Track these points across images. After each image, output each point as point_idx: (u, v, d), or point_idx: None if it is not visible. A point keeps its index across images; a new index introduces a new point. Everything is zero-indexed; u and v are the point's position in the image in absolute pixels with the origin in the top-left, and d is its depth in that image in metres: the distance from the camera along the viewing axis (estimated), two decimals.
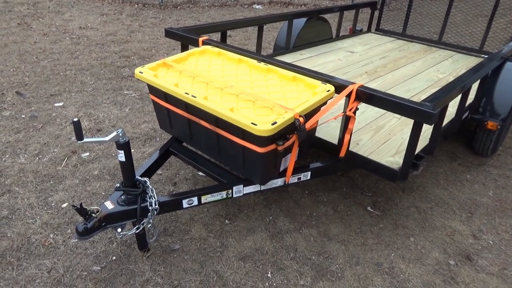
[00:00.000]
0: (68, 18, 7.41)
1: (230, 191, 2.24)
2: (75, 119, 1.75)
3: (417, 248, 2.51)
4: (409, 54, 4.58)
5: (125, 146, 1.92)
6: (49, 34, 6.33)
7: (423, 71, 4.00)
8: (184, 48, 3.04)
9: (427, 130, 2.68)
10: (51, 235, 2.38)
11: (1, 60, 5.07)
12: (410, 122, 2.87)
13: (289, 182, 2.31)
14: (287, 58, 4.08)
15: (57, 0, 8.75)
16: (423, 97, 3.31)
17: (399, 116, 2.96)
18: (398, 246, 2.52)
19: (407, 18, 5.30)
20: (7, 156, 3.10)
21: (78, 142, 1.79)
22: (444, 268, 2.37)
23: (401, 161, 2.29)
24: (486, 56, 4.65)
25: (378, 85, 3.51)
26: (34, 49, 5.57)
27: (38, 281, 2.08)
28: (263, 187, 2.28)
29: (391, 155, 2.44)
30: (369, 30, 5.62)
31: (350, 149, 2.41)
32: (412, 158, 2.18)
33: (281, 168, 2.23)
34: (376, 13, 5.46)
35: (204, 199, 2.20)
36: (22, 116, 3.72)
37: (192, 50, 2.72)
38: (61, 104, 4.01)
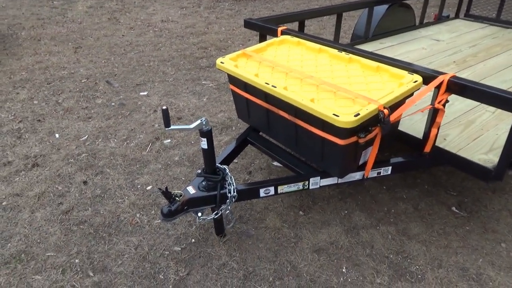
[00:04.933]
0: (152, 12, 7.85)
1: (307, 182, 2.22)
2: (164, 107, 1.85)
3: (509, 255, 2.29)
4: (504, 42, 4.15)
5: (208, 134, 1.99)
6: (135, 28, 6.76)
7: None
8: (263, 39, 3.05)
9: None
10: (138, 215, 2.56)
11: (94, 53, 5.54)
12: (506, 117, 2.61)
13: (368, 177, 2.24)
14: (366, 47, 3.92)
15: None
16: None
17: (492, 109, 2.70)
18: (487, 251, 2.32)
19: (502, 0, 4.79)
20: (100, 140, 3.39)
21: (166, 129, 1.89)
22: None
23: (496, 159, 2.09)
24: None
25: (468, 76, 3.23)
26: (122, 42, 6.00)
27: (126, 256, 2.26)
28: (340, 180, 2.23)
29: (484, 152, 2.24)
30: (457, 16, 5.18)
31: (436, 144, 2.25)
32: (510, 157, 1.98)
33: (361, 162, 2.15)
34: None
35: (281, 189, 2.21)
36: (112, 104, 4.04)
37: (271, 40, 2.72)
38: (145, 93, 4.28)
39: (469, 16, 5.12)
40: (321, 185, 2.25)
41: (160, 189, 1.98)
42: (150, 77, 4.70)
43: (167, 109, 1.86)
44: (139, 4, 8.42)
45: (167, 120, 1.88)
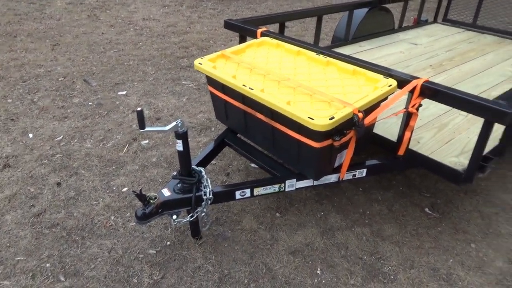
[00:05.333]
0: (133, 9, 7.75)
1: (283, 184, 2.23)
2: (139, 109, 1.83)
3: (478, 256, 2.35)
4: (479, 47, 4.26)
5: (183, 136, 1.97)
6: (115, 26, 6.66)
7: (495, 65, 3.70)
8: (242, 40, 3.05)
9: (497, 130, 2.48)
10: (112, 217, 2.52)
11: (72, 50, 5.43)
12: (477, 121, 2.67)
13: (343, 179, 2.26)
14: (346, 50, 3.96)
15: None
16: (494, 93, 3.07)
17: (465, 113, 2.77)
18: (458, 252, 2.37)
19: (479, 6, 4.91)
20: (75, 140, 3.32)
21: (141, 130, 1.87)
22: (508, 279, 2.20)
23: (466, 162, 2.14)
24: None
25: (443, 80, 3.30)
26: (101, 40, 5.90)
27: (99, 260, 2.22)
28: (316, 182, 2.25)
29: (455, 155, 2.29)
30: (435, 21, 5.29)
31: (410, 147, 2.29)
32: (479, 160, 2.03)
33: (336, 164, 2.17)
34: (445, 2, 5.11)
35: (257, 191, 2.21)
36: (89, 103, 3.97)
37: (251, 41, 2.72)
38: (124, 92, 4.22)
39: (447, 20, 5.23)
40: (297, 187, 2.26)
41: (134, 191, 1.95)
42: (130, 76, 4.64)
43: (142, 110, 1.84)
44: (120, 2, 8.30)
45: (141, 121, 1.85)
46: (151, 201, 2.01)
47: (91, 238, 2.37)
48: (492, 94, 3.07)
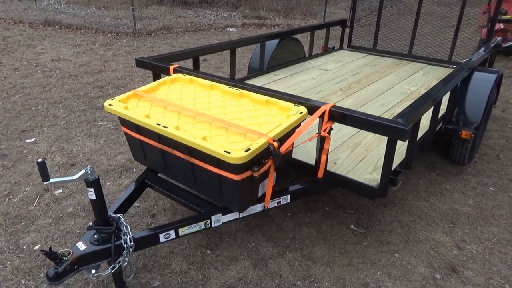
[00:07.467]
0: (40, 51, 7.31)
1: (209, 221, 2.18)
2: (39, 160, 1.68)
3: (402, 264, 2.48)
4: (381, 69, 4.67)
5: (95, 184, 1.84)
6: (20, 68, 6.21)
7: (395, 84, 4.07)
8: (156, 77, 3.00)
9: (403, 145, 2.69)
10: (23, 281, 2.25)
11: None
12: (385, 138, 2.88)
13: (268, 207, 2.27)
14: (261, 79, 4.09)
15: (28, 33, 8.65)
16: (398, 111, 3.35)
17: None
18: (384, 263, 2.48)
19: (376, 33, 5.43)
20: None
21: (44, 183, 1.71)
22: (431, 283, 2.34)
23: (379, 177, 2.28)
24: (455, 67, 4.78)
25: (352, 102, 3.54)
26: (4, 85, 5.44)
27: None
28: (242, 215, 2.23)
29: (369, 172, 2.43)
30: (341, 47, 5.72)
31: (328, 168, 2.39)
32: (389, 175, 2.17)
33: (260, 194, 2.18)
34: (347, 30, 5.57)
35: (182, 231, 2.13)
36: None
37: (163, 79, 2.69)
38: (32, 140, 3.89)
39: (351, 47, 5.69)
40: (223, 221, 2.22)
41: (42, 250, 1.76)
42: (38, 122, 4.31)
43: (43, 161, 1.69)
44: (25, 43, 7.79)
45: (44, 173, 1.70)
46: (64, 258, 1.83)
47: None
48: (396, 111, 3.35)
